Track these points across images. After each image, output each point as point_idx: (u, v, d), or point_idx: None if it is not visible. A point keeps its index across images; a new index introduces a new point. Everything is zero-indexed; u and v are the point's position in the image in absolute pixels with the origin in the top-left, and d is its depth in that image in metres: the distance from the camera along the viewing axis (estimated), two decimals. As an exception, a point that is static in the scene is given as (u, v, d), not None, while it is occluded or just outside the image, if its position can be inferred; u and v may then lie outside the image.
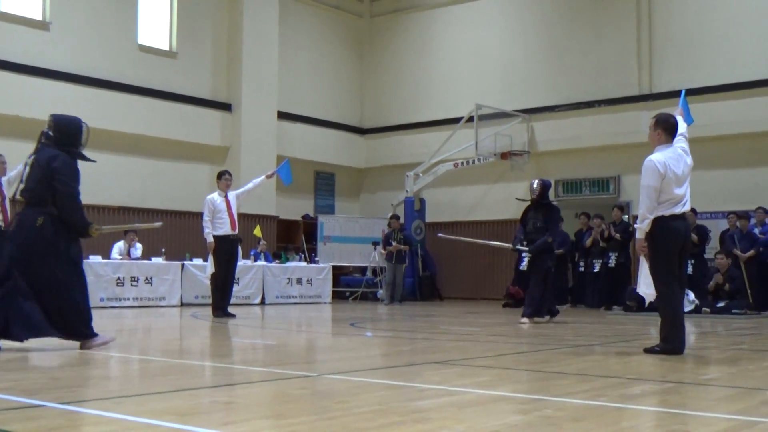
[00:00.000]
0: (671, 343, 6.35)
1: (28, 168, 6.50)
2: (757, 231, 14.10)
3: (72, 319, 6.32)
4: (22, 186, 6.48)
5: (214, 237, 11.13)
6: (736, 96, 15.81)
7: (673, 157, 6.39)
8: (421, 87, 20.38)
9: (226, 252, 11.26)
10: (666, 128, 6.49)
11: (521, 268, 10.72)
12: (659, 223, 6.32)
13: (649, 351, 6.43)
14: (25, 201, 6.45)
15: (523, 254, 10.62)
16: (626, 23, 17.34)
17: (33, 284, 6.20)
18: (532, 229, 10.63)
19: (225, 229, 11.18)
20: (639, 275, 6.50)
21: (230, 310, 11.38)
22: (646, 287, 6.46)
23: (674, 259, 6.41)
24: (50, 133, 6.50)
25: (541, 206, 10.73)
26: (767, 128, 15.47)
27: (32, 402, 3.91)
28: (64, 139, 6.48)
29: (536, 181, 10.92)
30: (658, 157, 6.35)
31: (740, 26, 16.05)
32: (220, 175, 11.65)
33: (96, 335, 6.48)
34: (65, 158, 6.39)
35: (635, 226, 6.43)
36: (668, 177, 6.29)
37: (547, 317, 10.75)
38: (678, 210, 6.37)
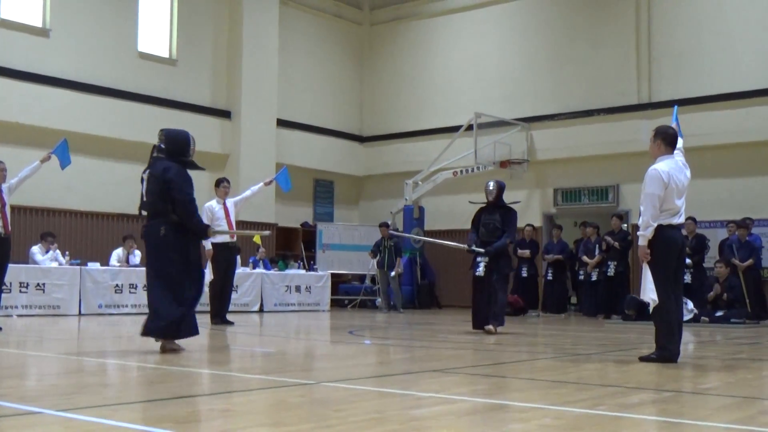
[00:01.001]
0: (667, 351, 6.38)
1: (145, 183, 6.99)
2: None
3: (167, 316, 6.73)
4: (144, 200, 6.98)
5: (213, 244, 11.12)
6: (735, 105, 15.83)
7: (675, 168, 6.51)
8: (420, 95, 20.40)
9: (224, 259, 11.25)
10: (665, 139, 6.60)
11: (477, 274, 9.80)
12: (657, 232, 6.41)
13: (644, 359, 6.46)
14: (147, 214, 6.99)
15: (479, 259, 9.87)
16: (625, 33, 17.37)
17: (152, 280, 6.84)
18: (485, 232, 9.88)
19: (223, 236, 11.17)
20: (642, 281, 6.50)
21: (229, 317, 11.37)
22: (651, 292, 6.46)
23: (671, 268, 6.45)
24: (162, 146, 6.98)
25: (497, 208, 10.04)
26: (766, 137, 15.49)
27: (29, 409, 3.90)
28: (174, 150, 6.97)
29: (492, 182, 10.21)
30: (662, 166, 6.45)
31: (738, 36, 16.08)
32: (218, 183, 11.65)
33: (176, 339, 6.90)
34: (178, 168, 6.85)
35: (639, 233, 6.48)
36: (671, 187, 6.40)
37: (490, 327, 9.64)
38: (675, 221, 6.50)
